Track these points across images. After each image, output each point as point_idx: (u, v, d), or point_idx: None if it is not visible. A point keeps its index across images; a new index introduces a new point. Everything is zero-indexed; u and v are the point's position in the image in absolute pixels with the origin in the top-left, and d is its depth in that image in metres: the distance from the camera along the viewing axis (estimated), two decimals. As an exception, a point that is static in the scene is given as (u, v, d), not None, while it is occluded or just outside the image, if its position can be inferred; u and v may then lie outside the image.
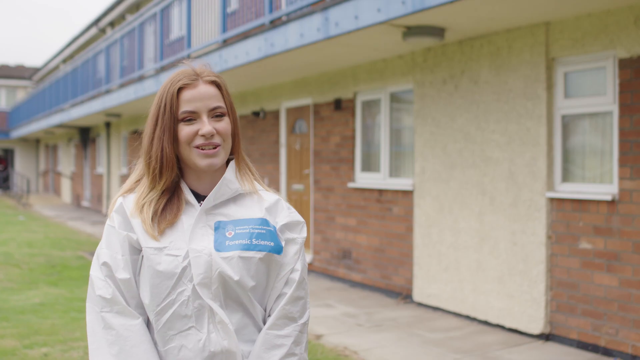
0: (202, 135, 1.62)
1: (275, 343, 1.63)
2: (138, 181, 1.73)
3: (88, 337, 1.62)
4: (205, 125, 1.62)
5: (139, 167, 1.74)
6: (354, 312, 6.89)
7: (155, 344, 1.63)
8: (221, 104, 1.67)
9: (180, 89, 1.64)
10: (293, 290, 1.67)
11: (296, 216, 1.75)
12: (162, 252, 1.60)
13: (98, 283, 1.61)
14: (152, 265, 1.59)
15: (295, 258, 1.70)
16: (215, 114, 1.66)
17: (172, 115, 1.63)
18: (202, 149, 1.63)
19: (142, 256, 1.63)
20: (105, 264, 1.62)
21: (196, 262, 1.59)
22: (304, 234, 1.75)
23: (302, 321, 1.69)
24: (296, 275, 1.69)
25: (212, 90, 1.66)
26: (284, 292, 1.67)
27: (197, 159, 1.64)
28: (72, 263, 9.89)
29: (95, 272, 1.63)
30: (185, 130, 1.63)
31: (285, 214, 1.74)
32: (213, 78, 1.68)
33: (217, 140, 1.64)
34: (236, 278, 1.59)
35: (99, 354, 1.57)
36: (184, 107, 1.63)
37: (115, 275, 1.61)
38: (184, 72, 1.67)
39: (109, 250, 1.64)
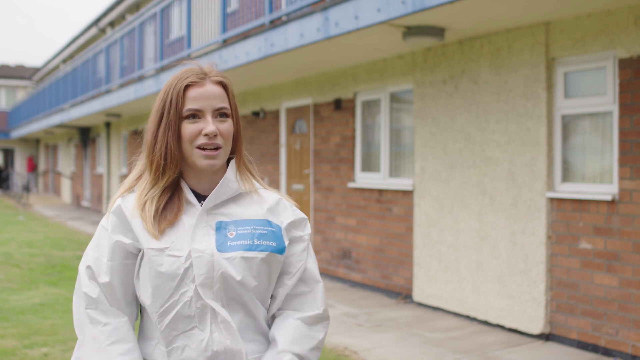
0: (205, 135, 1.63)
1: (309, 334, 1.69)
2: (139, 177, 1.72)
3: (75, 329, 1.64)
4: (209, 125, 1.63)
5: (140, 162, 1.74)
6: (354, 312, 6.89)
7: (158, 345, 1.63)
8: (226, 104, 1.68)
9: (187, 87, 1.64)
10: (319, 289, 1.73)
11: (299, 214, 1.77)
12: (163, 253, 1.60)
13: (84, 281, 1.64)
14: (153, 267, 1.59)
15: (305, 255, 1.73)
16: (220, 115, 1.66)
17: (177, 112, 1.63)
18: (203, 150, 1.64)
19: (141, 258, 1.63)
20: (89, 267, 1.64)
21: (198, 262, 1.59)
22: (309, 230, 1.77)
23: (328, 321, 1.75)
24: (315, 274, 1.74)
25: (218, 90, 1.67)
26: (305, 290, 1.72)
27: (198, 159, 1.64)
28: (72, 263, 9.89)
29: (82, 269, 1.66)
30: (189, 128, 1.63)
31: (289, 212, 1.75)
32: (220, 78, 1.69)
33: (219, 141, 1.64)
34: (239, 278, 1.60)
35: (84, 346, 1.61)
36: (190, 105, 1.63)
37: (97, 279, 1.63)
38: (191, 70, 1.68)
39: (96, 252, 1.65)
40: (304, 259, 1.72)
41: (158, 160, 1.64)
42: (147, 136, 1.69)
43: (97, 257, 1.64)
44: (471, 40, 6.47)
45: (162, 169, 1.65)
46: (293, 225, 1.74)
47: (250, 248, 1.63)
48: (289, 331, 1.67)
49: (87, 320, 1.61)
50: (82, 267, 1.67)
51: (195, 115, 1.64)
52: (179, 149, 1.65)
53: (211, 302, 1.59)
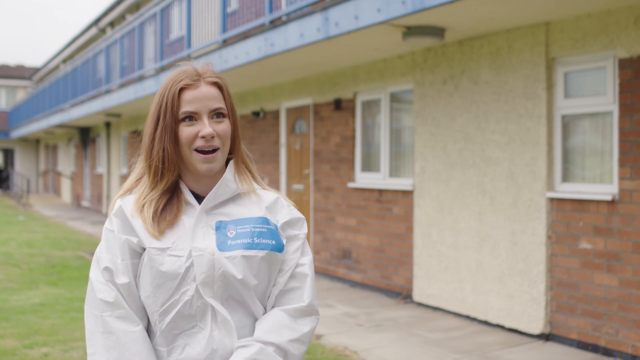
0: (202, 137, 1.62)
1: (290, 326, 1.64)
2: (138, 180, 1.73)
3: (87, 340, 1.62)
4: (206, 127, 1.63)
5: (139, 165, 1.74)
6: (354, 312, 6.89)
7: (157, 344, 1.63)
8: (222, 105, 1.67)
9: (181, 89, 1.64)
10: (307, 283, 1.69)
11: (296, 213, 1.77)
12: (165, 252, 1.60)
13: (99, 287, 1.61)
14: (155, 266, 1.59)
15: (298, 253, 1.72)
16: (216, 115, 1.66)
17: (173, 116, 1.63)
18: (202, 153, 1.64)
19: (143, 257, 1.63)
20: (107, 268, 1.62)
21: (199, 261, 1.59)
22: (305, 230, 1.76)
23: (317, 316, 1.70)
24: (305, 270, 1.71)
25: (213, 91, 1.67)
26: (295, 285, 1.69)
27: (197, 163, 1.65)
28: (72, 263, 9.89)
29: (96, 275, 1.63)
30: (185, 131, 1.63)
31: (285, 211, 1.75)
32: (215, 79, 1.68)
33: (216, 142, 1.64)
34: (239, 277, 1.60)
35: (97, 358, 1.58)
36: (185, 108, 1.63)
37: (116, 280, 1.61)
38: (185, 72, 1.67)
39: (109, 254, 1.63)
40: (297, 257, 1.71)
41: (156, 164, 1.65)
42: (145, 139, 1.69)
43: (111, 258, 1.62)
44: (471, 40, 6.46)
45: (160, 173, 1.65)
46: (288, 224, 1.74)
47: (250, 247, 1.63)
48: (268, 321, 1.64)
49: (100, 329, 1.58)
50: (95, 273, 1.63)
51: (192, 117, 1.64)
52: (177, 153, 1.65)
53: (211, 301, 1.59)
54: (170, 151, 1.63)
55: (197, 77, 1.66)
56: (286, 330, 1.62)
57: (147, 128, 1.68)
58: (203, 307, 1.60)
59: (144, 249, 1.63)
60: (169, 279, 1.59)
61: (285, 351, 1.61)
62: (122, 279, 1.61)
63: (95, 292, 1.61)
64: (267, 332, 1.61)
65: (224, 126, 1.66)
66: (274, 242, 1.66)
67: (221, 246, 1.62)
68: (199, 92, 1.64)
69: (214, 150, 1.64)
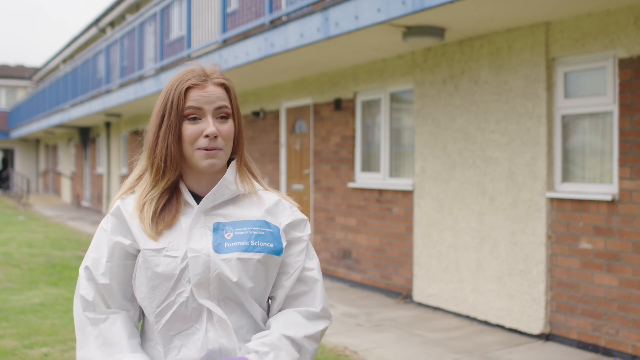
0: (206, 136, 1.62)
1: (304, 323, 1.65)
2: (140, 177, 1.72)
3: (75, 329, 1.64)
4: (210, 126, 1.62)
5: (141, 163, 1.73)
6: (354, 312, 6.89)
7: (156, 344, 1.63)
8: (227, 105, 1.67)
9: (188, 88, 1.64)
10: (317, 287, 1.70)
11: (299, 214, 1.75)
12: (160, 253, 1.59)
13: (82, 283, 1.64)
14: (150, 268, 1.59)
15: (303, 255, 1.71)
16: (220, 115, 1.65)
17: (178, 114, 1.63)
18: (204, 150, 1.63)
19: (138, 259, 1.63)
20: (87, 268, 1.64)
21: (194, 262, 1.59)
22: (308, 231, 1.75)
23: (330, 319, 1.71)
24: (315, 274, 1.71)
25: (220, 92, 1.66)
26: (304, 290, 1.69)
27: (199, 160, 1.63)
28: (72, 263, 9.89)
29: (81, 270, 1.67)
30: (190, 129, 1.63)
31: (288, 213, 1.74)
32: (222, 80, 1.68)
33: (219, 143, 1.64)
34: (235, 279, 1.59)
35: (85, 345, 1.61)
36: (190, 104, 1.63)
37: (97, 279, 1.63)
38: (193, 71, 1.67)
39: (95, 253, 1.65)
40: (302, 259, 1.70)
41: (159, 162, 1.64)
42: (149, 137, 1.68)
43: (96, 257, 1.64)
44: (471, 40, 6.46)
45: (162, 171, 1.64)
46: (291, 226, 1.72)
47: (246, 249, 1.62)
48: (283, 318, 1.65)
49: (87, 322, 1.62)
50: (81, 269, 1.67)
51: (196, 116, 1.63)
52: (180, 151, 1.64)
53: (206, 302, 1.59)
54: (173, 149, 1.63)
55: (205, 77, 1.66)
56: (301, 327, 1.64)
57: (152, 125, 1.67)
58: (199, 308, 1.59)
59: (139, 251, 1.63)
60: (164, 280, 1.59)
61: (300, 346, 1.62)
62: (103, 279, 1.62)
63: (79, 288, 1.65)
64: (284, 327, 1.62)
65: (228, 127, 1.66)
66: (271, 245, 1.65)
67: (217, 248, 1.61)
68: (205, 92, 1.64)
69: (217, 149, 1.64)
